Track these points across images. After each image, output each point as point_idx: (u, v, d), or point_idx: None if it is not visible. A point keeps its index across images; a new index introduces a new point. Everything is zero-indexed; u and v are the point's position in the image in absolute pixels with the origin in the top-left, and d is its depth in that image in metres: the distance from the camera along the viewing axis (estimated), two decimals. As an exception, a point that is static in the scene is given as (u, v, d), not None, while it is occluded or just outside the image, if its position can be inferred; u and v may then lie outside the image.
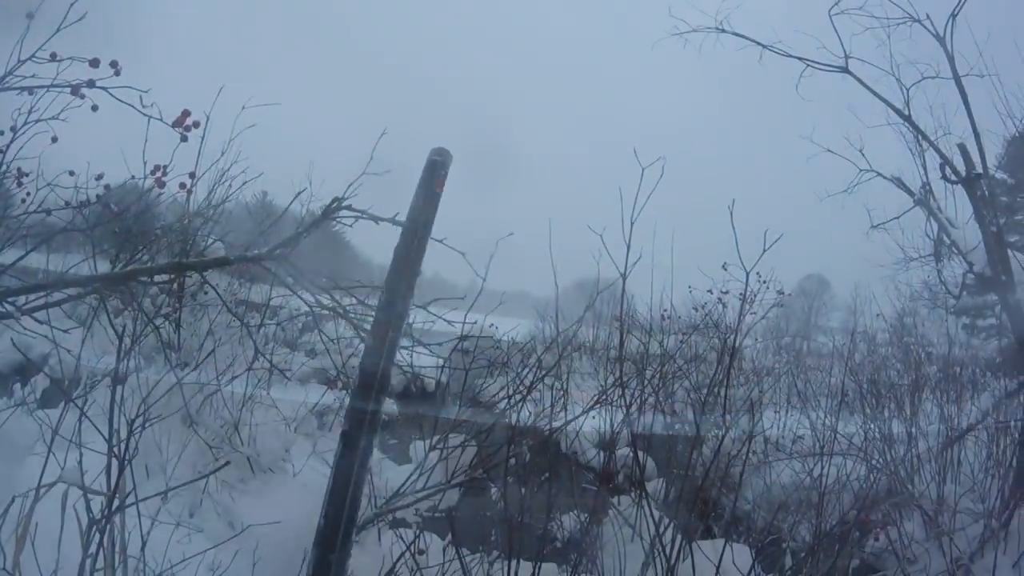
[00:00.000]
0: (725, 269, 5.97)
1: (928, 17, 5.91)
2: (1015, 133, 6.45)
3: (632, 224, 2.57)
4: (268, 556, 2.91)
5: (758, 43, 6.51)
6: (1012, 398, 5.46)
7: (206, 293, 5.97)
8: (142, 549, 2.36)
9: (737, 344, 3.59)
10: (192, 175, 3.39)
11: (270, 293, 6.54)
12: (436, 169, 1.59)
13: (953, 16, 5.76)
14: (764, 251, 2.52)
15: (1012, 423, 5.32)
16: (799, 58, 6.33)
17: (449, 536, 3.66)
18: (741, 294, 2.95)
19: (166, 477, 4.08)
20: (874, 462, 4.94)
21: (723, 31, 6.60)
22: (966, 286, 6.68)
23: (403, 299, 1.51)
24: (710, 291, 7.38)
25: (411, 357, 3.13)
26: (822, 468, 4.05)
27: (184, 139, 2.82)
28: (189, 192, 3.41)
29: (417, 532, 3.44)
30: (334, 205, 2.56)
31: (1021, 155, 8.82)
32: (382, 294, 1.53)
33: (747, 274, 2.56)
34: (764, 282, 6.30)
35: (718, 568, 2.43)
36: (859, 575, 4.31)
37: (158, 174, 2.98)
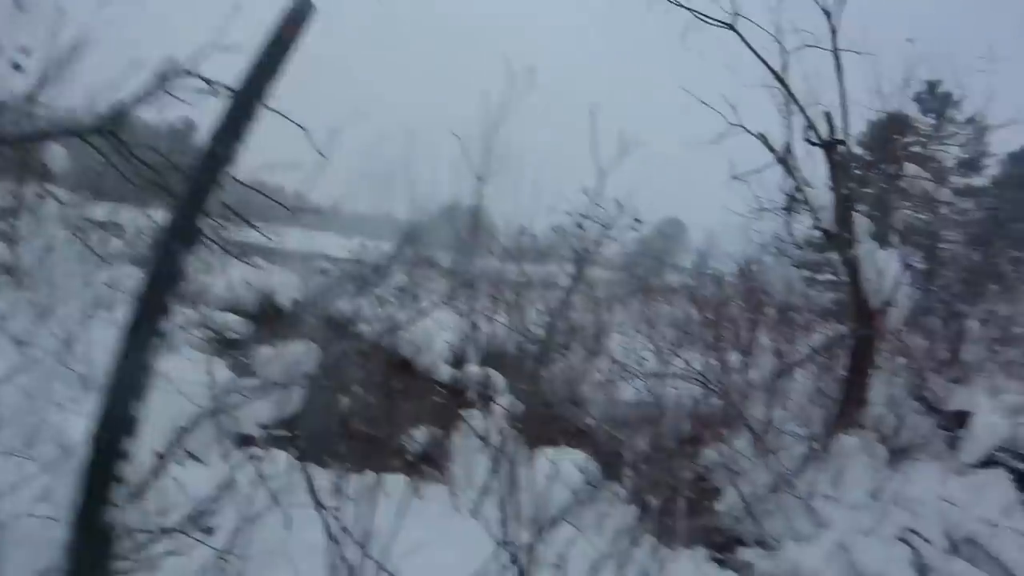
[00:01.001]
0: (586, 195, 6.10)
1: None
2: (879, 118, 7.01)
3: (495, 130, 2.56)
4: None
5: None
6: (839, 342, 6.05)
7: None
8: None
9: (589, 265, 3.71)
10: (24, 51, 2.99)
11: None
12: (290, 18, 1.31)
13: (844, -7, 6.09)
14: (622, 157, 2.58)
15: (836, 363, 5.93)
16: (688, 8, 6.37)
17: (295, 452, 3.59)
18: (597, 218, 3.02)
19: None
20: (711, 386, 5.34)
21: (614, -28, 6.62)
22: (812, 242, 7.23)
23: (210, 176, 1.33)
24: (568, 213, 7.57)
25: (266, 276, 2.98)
26: (663, 388, 4.33)
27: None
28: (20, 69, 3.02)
29: (264, 449, 3.37)
30: (170, 69, 2.22)
31: (882, 138, 9.59)
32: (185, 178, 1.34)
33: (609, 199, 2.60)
34: (622, 207, 6.50)
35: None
36: (694, 485, 4.68)
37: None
